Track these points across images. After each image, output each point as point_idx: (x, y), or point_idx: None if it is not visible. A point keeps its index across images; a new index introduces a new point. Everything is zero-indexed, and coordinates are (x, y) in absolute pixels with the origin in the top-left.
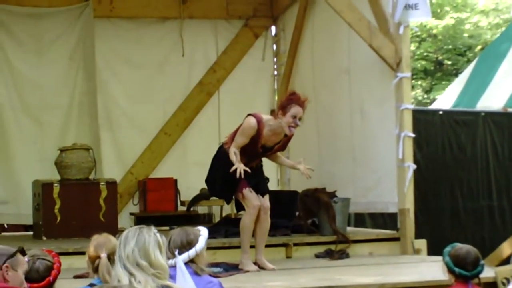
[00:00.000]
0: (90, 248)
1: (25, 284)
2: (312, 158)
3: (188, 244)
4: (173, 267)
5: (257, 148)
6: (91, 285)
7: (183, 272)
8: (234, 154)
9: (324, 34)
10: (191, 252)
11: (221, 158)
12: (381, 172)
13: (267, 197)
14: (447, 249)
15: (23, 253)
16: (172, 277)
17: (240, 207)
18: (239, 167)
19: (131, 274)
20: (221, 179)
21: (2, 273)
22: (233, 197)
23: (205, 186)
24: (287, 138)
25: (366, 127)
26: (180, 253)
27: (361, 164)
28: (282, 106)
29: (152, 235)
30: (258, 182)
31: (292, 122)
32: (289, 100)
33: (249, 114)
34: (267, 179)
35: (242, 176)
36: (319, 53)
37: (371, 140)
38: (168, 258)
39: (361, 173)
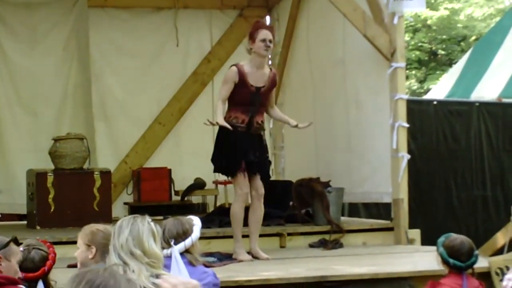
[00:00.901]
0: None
1: (19, 274)
2: (309, 148)
3: (183, 234)
4: (168, 257)
5: (249, 88)
6: None
7: (178, 262)
8: (219, 109)
9: (318, 24)
10: (187, 242)
11: (220, 133)
12: (376, 163)
13: (260, 182)
14: (441, 240)
15: (16, 243)
16: (167, 267)
17: None
18: (220, 121)
19: (125, 263)
20: (223, 152)
21: None
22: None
23: (199, 175)
24: (273, 74)
25: (362, 117)
26: (175, 243)
27: (357, 155)
28: (250, 36)
29: (146, 224)
30: (257, 162)
31: (263, 46)
32: (254, 28)
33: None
34: (269, 162)
35: (223, 123)
36: (314, 43)
37: (367, 130)
38: (163, 248)
39: (356, 164)
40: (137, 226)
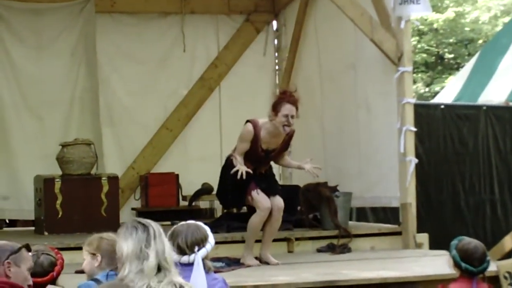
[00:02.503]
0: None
1: (29, 281)
2: (317, 153)
3: (205, 240)
4: (186, 264)
5: (258, 152)
6: (95, 280)
7: (200, 269)
8: (236, 159)
9: (327, 29)
10: (208, 247)
11: (228, 168)
12: (386, 167)
13: (279, 197)
14: (454, 242)
15: (28, 249)
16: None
17: (252, 210)
18: (241, 169)
19: (161, 271)
20: (231, 188)
21: (4, 269)
22: (247, 204)
23: (206, 181)
24: (289, 137)
25: (371, 121)
26: (199, 249)
27: (366, 159)
28: (274, 107)
29: None
30: (269, 187)
31: (285, 121)
32: (279, 99)
33: (247, 121)
34: (279, 186)
35: (244, 176)
36: (321, 47)
37: (375, 134)
38: (184, 254)
39: (366, 168)
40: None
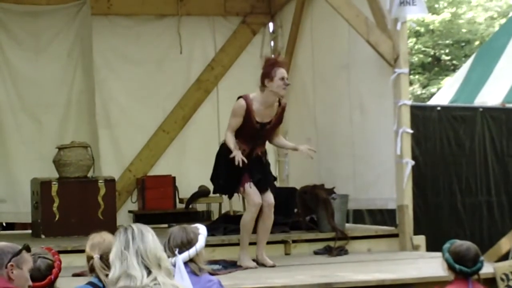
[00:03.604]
0: (86, 247)
1: (29, 282)
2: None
3: (188, 243)
4: (172, 266)
5: (253, 124)
6: (91, 283)
7: (181, 272)
8: (229, 143)
9: (322, 30)
10: (192, 251)
11: (223, 154)
12: (381, 169)
13: (271, 194)
14: (446, 246)
15: (28, 250)
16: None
17: None
18: (237, 155)
19: (147, 269)
20: (224, 174)
21: (7, 272)
22: (239, 194)
23: (203, 183)
24: (281, 110)
25: (366, 123)
26: (180, 252)
27: (361, 161)
28: (267, 74)
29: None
30: (263, 179)
31: (283, 84)
32: (270, 66)
33: (239, 97)
34: (274, 178)
35: (241, 163)
36: (317, 49)
37: (371, 136)
38: (168, 257)
39: (361, 170)
40: (152, 233)
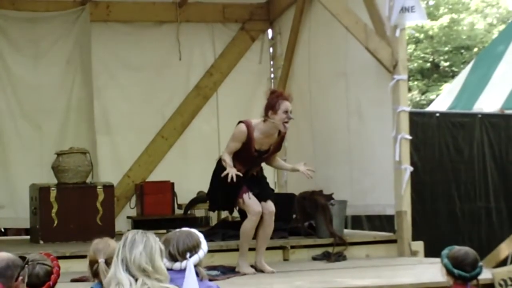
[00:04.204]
0: (90, 252)
1: None
2: (307, 161)
3: (197, 246)
4: (178, 270)
5: (251, 153)
6: None
7: (192, 275)
8: (226, 160)
9: (320, 37)
10: (201, 254)
11: (219, 171)
12: (378, 175)
13: (271, 202)
14: (445, 252)
15: (27, 262)
16: (172, 280)
17: (244, 215)
18: (231, 171)
19: (133, 276)
20: (221, 190)
21: (17, 286)
22: (237, 208)
23: (202, 189)
24: (281, 138)
25: (363, 129)
26: (190, 256)
27: (358, 167)
28: (271, 106)
29: (157, 242)
30: (262, 191)
31: (285, 118)
32: (275, 98)
33: (240, 121)
34: (272, 190)
35: (234, 179)
36: (316, 56)
37: (368, 142)
38: (176, 261)
39: (358, 176)
40: (150, 243)
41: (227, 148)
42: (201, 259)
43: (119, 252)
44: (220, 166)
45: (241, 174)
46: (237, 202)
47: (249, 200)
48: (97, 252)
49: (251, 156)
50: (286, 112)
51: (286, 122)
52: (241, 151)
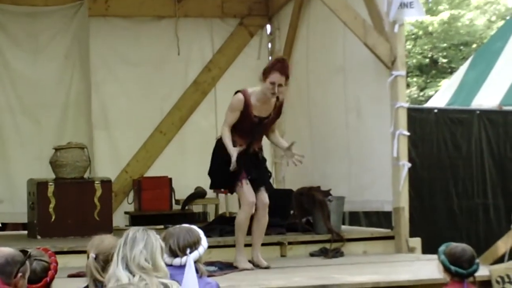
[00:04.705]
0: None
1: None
2: (309, 157)
3: (197, 243)
4: (178, 266)
5: (251, 118)
6: None
7: (192, 271)
8: (227, 139)
9: (319, 33)
10: (201, 250)
11: (219, 150)
12: (377, 171)
13: (265, 193)
14: (442, 248)
15: (29, 257)
16: (171, 276)
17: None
18: (233, 156)
19: (132, 274)
20: (221, 169)
21: (15, 282)
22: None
23: (200, 185)
24: (279, 105)
25: (362, 125)
26: (191, 252)
27: (357, 163)
28: (264, 71)
29: (158, 239)
30: (259, 177)
31: (270, 89)
32: (270, 66)
33: (237, 91)
34: (269, 174)
35: (234, 161)
36: (314, 51)
37: (367, 138)
38: (176, 256)
39: (356, 172)
40: (151, 240)
41: (225, 122)
42: (201, 255)
43: (119, 250)
44: (219, 145)
45: (244, 147)
46: (236, 184)
47: (245, 188)
48: (90, 247)
49: (251, 124)
50: (273, 83)
51: (272, 93)
52: (241, 120)
